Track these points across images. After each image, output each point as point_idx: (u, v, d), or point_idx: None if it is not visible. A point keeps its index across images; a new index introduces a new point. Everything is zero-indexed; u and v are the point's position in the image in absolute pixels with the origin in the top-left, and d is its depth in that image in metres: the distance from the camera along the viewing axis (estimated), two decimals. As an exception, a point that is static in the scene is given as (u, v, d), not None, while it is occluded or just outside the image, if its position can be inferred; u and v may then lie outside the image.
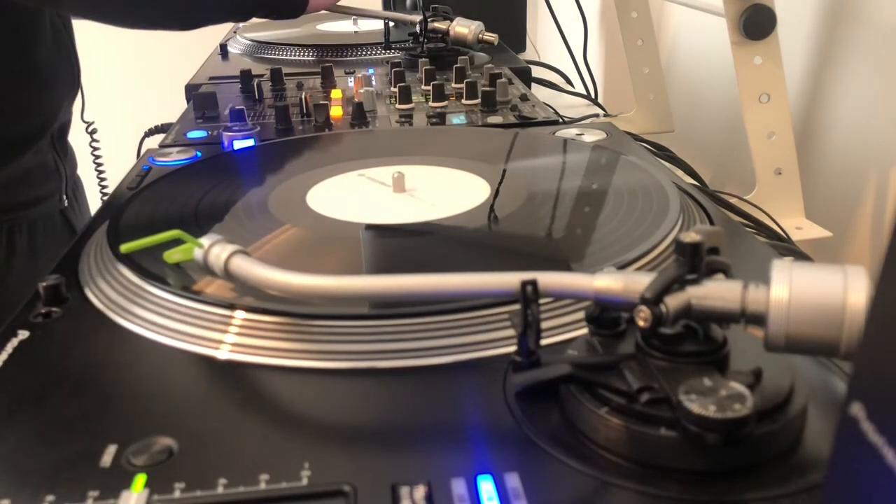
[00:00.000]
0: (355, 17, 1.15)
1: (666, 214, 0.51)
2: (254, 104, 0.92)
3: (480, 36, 1.07)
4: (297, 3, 0.94)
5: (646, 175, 0.59)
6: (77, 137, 1.00)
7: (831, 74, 0.90)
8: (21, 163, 0.85)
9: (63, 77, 0.90)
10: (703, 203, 0.57)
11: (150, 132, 1.00)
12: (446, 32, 1.08)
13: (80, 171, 1.02)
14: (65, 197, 0.93)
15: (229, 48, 1.27)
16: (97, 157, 1.06)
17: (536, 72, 1.21)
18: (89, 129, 1.04)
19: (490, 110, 0.86)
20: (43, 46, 0.84)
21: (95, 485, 0.31)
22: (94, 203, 1.00)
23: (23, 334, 0.42)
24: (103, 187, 1.05)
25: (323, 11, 1.03)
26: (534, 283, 0.33)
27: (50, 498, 0.30)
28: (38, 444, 0.33)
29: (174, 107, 1.00)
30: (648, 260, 0.46)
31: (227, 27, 1.38)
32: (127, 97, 1.86)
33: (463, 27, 1.08)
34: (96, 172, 1.06)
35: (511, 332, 0.36)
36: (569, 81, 1.30)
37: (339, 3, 1.03)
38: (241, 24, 1.38)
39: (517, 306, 0.33)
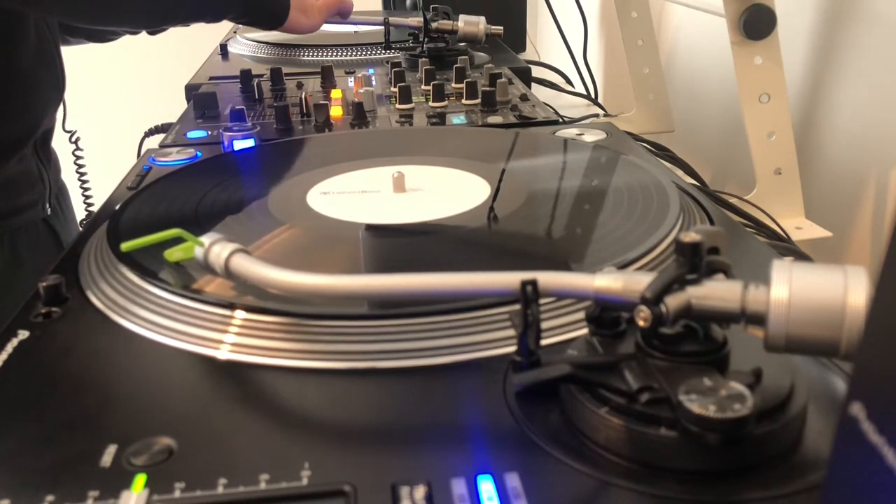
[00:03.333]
0: (356, 24, 1.16)
1: (666, 214, 0.51)
2: (254, 104, 0.92)
3: (488, 30, 1.08)
4: (275, 18, 0.94)
5: (646, 175, 0.59)
6: (61, 146, 0.99)
7: (831, 74, 0.90)
8: (4, 171, 0.83)
9: (47, 83, 0.88)
10: (703, 203, 0.57)
11: (150, 132, 1.00)
12: (452, 31, 1.09)
13: (63, 181, 1.01)
14: (48, 205, 0.91)
15: (229, 48, 1.27)
16: (80, 166, 1.03)
17: (536, 72, 1.21)
18: (73, 139, 1.02)
19: (490, 110, 0.86)
20: (26, 52, 0.83)
21: (95, 485, 0.31)
22: (79, 212, 1.00)
23: (23, 334, 0.42)
24: (87, 198, 1.04)
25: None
26: (534, 283, 0.33)
27: (50, 498, 0.30)
28: (38, 444, 0.33)
29: (174, 107, 1.00)
30: (648, 260, 0.46)
31: (227, 27, 1.38)
32: (127, 97, 1.86)
33: (471, 24, 1.08)
34: (79, 183, 1.04)
35: (511, 332, 0.36)
36: (569, 81, 1.30)
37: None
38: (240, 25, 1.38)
39: (517, 306, 0.33)
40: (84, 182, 1.04)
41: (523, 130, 0.77)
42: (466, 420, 0.34)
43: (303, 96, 0.86)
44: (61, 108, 0.97)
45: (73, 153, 1.02)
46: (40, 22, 0.86)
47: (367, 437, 0.34)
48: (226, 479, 0.31)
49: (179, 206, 0.58)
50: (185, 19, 0.85)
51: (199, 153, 0.74)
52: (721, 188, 0.92)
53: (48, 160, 0.92)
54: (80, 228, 0.98)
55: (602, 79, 1.45)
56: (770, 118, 0.82)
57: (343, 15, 1.08)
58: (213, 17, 0.88)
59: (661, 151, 0.91)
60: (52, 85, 0.90)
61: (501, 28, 1.09)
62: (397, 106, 0.89)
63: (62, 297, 0.46)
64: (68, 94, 0.95)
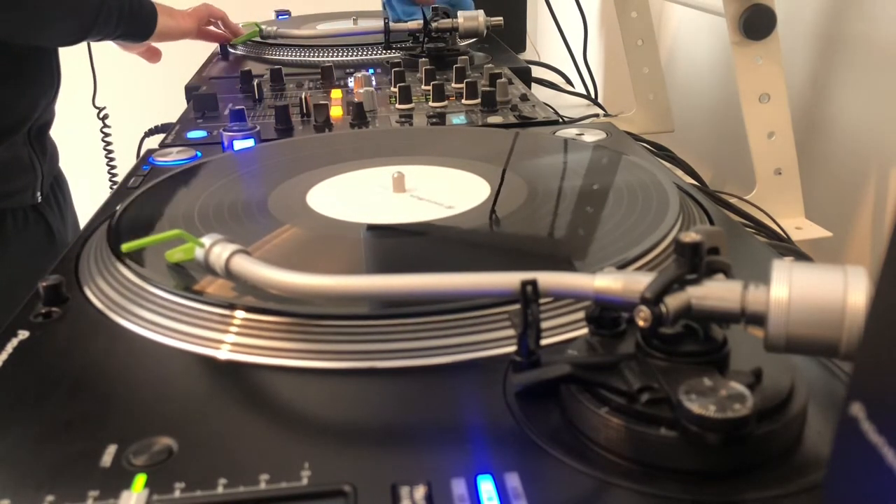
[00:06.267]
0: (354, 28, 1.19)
1: (666, 214, 0.51)
2: (254, 104, 0.92)
3: (487, 22, 1.09)
4: (147, 29, 0.97)
5: (646, 175, 0.59)
6: (86, 125, 1.05)
7: (831, 74, 0.90)
8: None
9: (41, 76, 0.91)
10: (703, 203, 0.57)
11: (150, 132, 1.01)
12: (453, 29, 1.09)
13: (90, 158, 1.05)
14: (39, 193, 0.94)
15: (229, 48, 1.27)
16: (108, 143, 1.09)
17: (536, 72, 1.21)
18: (101, 115, 1.08)
19: (490, 110, 0.86)
20: (14, 49, 0.85)
21: (95, 485, 0.31)
22: (104, 186, 1.03)
23: (23, 334, 0.42)
24: (111, 167, 1.09)
25: (324, 13, 1.04)
26: (534, 282, 0.33)
27: (50, 498, 0.30)
28: (38, 444, 0.33)
29: (174, 107, 1.00)
30: (648, 260, 0.46)
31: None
32: (126, 97, 1.85)
33: (470, 19, 1.09)
34: (106, 159, 1.10)
35: (511, 332, 0.36)
36: (569, 81, 1.30)
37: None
38: (240, 25, 1.38)
39: (517, 306, 0.33)
40: (111, 159, 1.10)
41: (523, 130, 0.77)
42: (466, 420, 0.34)
43: (303, 96, 0.86)
44: (91, 85, 1.04)
45: (101, 130, 1.09)
46: None
47: (367, 437, 0.34)
48: (226, 479, 0.31)
49: (180, 206, 0.58)
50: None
51: (199, 153, 0.74)
52: (721, 188, 0.92)
53: (43, 151, 0.95)
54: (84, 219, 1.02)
55: (602, 79, 1.45)
56: (770, 118, 0.82)
57: (216, 17, 1.16)
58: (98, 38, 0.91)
59: (661, 151, 0.91)
60: (46, 79, 0.92)
61: (501, 18, 1.10)
62: (397, 106, 0.88)
63: (62, 297, 0.46)
64: (71, 92, 0.97)
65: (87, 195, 1.08)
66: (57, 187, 1.01)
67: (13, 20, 0.80)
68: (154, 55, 1.11)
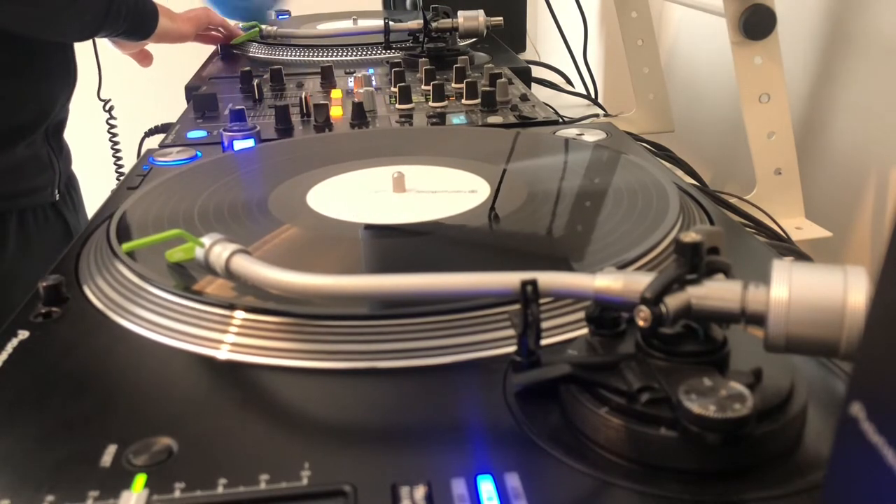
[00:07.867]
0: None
1: (666, 214, 0.51)
2: (254, 104, 0.92)
3: (488, 22, 1.10)
4: (147, 28, 0.97)
5: (646, 175, 0.59)
6: (93, 124, 1.06)
7: (831, 74, 0.90)
8: (12, 154, 0.87)
9: (59, 72, 0.92)
10: (703, 203, 0.57)
11: (150, 132, 1.01)
12: (453, 28, 1.09)
13: (94, 152, 1.06)
14: (57, 191, 0.95)
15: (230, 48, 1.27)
16: (114, 135, 1.10)
17: (536, 72, 1.21)
18: (107, 108, 1.09)
19: (490, 110, 0.86)
20: (32, 44, 0.86)
21: (95, 485, 0.31)
22: (110, 182, 1.04)
23: (23, 334, 0.42)
24: (118, 162, 1.09)
25: (324, 13, 1.05)
26: (534, 282, 0.33)
27: (50, 498, 0.30)
28: (38, 444, 0.33)
29: (174, 107, 1.00)
30: (648, 260, 0.46)
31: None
32: (126, 98, 1.85)
33: (471, 19, 1.10)
34: (112, 151, 1.11)
35: (511, 332, 0.35)
36: (569, 81, 1.30)
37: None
38: (241, 25, 1.38)
39: (517, 306, 0.33)
40: (117, 151, 1.11)
41: (523, 130, 0.77)
42: (466, 420, 0.34)
43: (303, 96, 0.86)
44: (96, 77, 1.05)
45: (107, 122, 1.10)
46: None
47: (367, 437, 0.34)
48: (226, 479, 0.31)
49: (180, 206, 0.58)
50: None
51: (199, 153, 0.74)
52: (721, 188, 0.92)
53: (60, 150, 0.97)
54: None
55: (602, 79, 1.45)
56: (770, 118, 0.82)
57: (215, 24, 1.17)
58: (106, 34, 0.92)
59: (661, 151, 0.91)
60: (64, 75, 0.93)
61: (501, 18, 1.11)
62: (397, 106, 0.88)
63: (62, 297, 0.46)
64: (77, 90, 0.98)
65: (96, 194, 1.08)
66: (71, 187, 1.02)
67: (30, 15, 0.81)
68: (146, 58, 1.11)
